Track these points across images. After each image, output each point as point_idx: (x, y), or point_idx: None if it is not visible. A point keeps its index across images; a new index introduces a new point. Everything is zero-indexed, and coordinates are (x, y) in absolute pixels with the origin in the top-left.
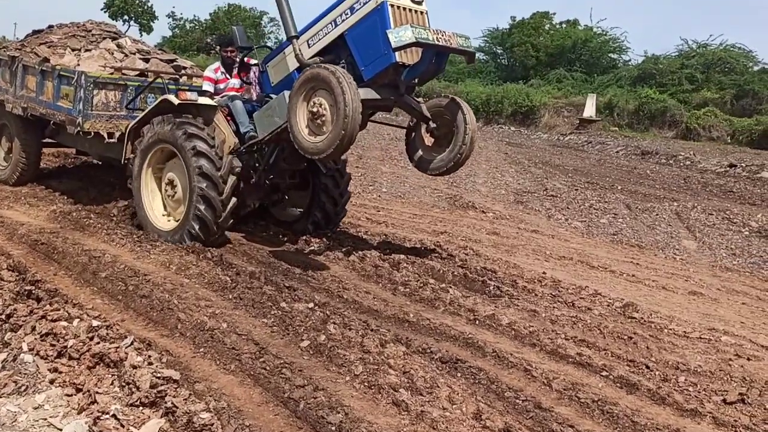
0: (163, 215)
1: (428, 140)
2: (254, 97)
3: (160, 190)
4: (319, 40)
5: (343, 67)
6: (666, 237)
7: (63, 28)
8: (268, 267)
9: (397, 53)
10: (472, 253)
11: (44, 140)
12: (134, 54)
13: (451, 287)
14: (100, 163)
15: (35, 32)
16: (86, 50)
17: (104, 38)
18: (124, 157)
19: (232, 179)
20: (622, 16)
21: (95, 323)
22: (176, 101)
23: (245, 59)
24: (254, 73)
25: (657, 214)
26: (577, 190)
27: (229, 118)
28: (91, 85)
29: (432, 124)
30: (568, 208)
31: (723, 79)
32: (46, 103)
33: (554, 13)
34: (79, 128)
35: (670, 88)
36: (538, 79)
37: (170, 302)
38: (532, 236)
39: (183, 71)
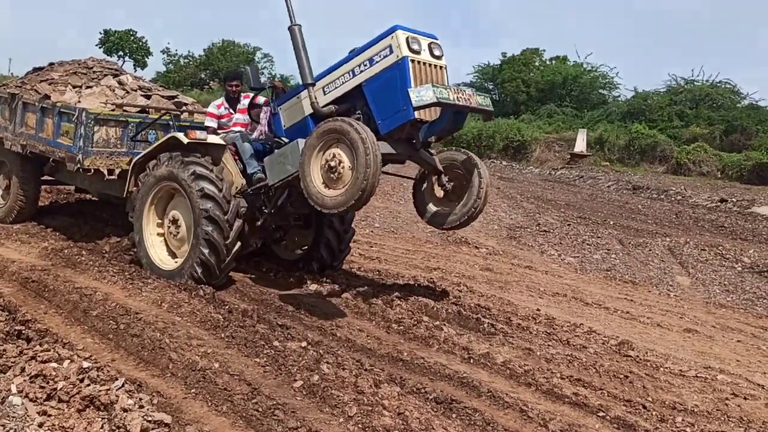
0: (165, 253)
1: (438, 193)
2: (262, 136)
3: (163, 227)
4: (336, 88)
5: (358, 118)
6: (659, 273)
7: (64, 65)
8: (260, 304)
9: (415, 110)
10: (465, 290)
11: (43, 178)
12: (135, 90)
13: (445, 325)
14: (95, 199)
15: (36, 70)
16: (87, 87)
17: (105, 75)
18: (127, 190)
19: (238, 223)
20: (608, 51)
21: (86, 364)
22: (185, 140)
23: (254, 98)
24: (264, 112)
25: (650, 250)
26: (569, 225)
27: (236, 156)
28: (92, 122)
29: (444, 178)
30: (561, 243)
31: (712, 114)
32: (46, 140)
33: (544, 50)
34: (79, 165)
35: (659, 123)
36: (529, 114)
37: (162, 341)
38: (526, 272)
39: (184, 107)
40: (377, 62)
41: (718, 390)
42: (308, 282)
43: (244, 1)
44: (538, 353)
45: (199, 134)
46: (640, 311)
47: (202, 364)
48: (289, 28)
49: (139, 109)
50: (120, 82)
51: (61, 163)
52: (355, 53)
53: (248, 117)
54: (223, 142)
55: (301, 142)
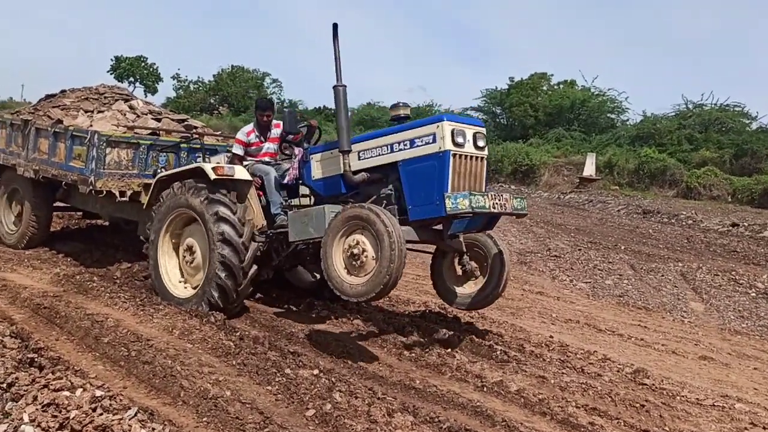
0: (180, 282)
1: (458, 271)
2: (291, 181)
3: (177, 256)
4: (371, 157)
5: (389, 194)
6: (672, 299)
7: (76, 92)
8: (271, 331)
9: (447, 208)
10: (477, 316)
11: (55, 204)
12: (146, 114)
13: (457, 352)
14: (106, 224)
15: (48, 96)
16: (99, 112)
17: (116, 100)
18: (148, 203)
19: (253, 246)
20: (616, 75)
21: (98, 393)
22: (213, 176)
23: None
24: (297, 156)
25: (662, 275)
26: (580, 250)
27: (260, 192)
28: (104, 144)
29: (465, 257)
30: (572, 268)
31: (721, 138)
32: (59, 164)
33: (552, 74)
34: (91, 187)
35: (669, 147)
36: (537, 138)
37: (173, 369)
38: (538, 298)
39: (194, 130)
40: (418, 146)
41: (737, 419)
42: (318, 308)
43: (253, 28)
44: (552, 381)
45: (227, 170)
46: (655, 338)
47: (214, 392)
48: (334, 88)
49: (150, 131)
50: (131, 107)
51: (73, 188)
52: (396, 129)
53: (278, 147)
54: (250, 178)
55: (327, 208)
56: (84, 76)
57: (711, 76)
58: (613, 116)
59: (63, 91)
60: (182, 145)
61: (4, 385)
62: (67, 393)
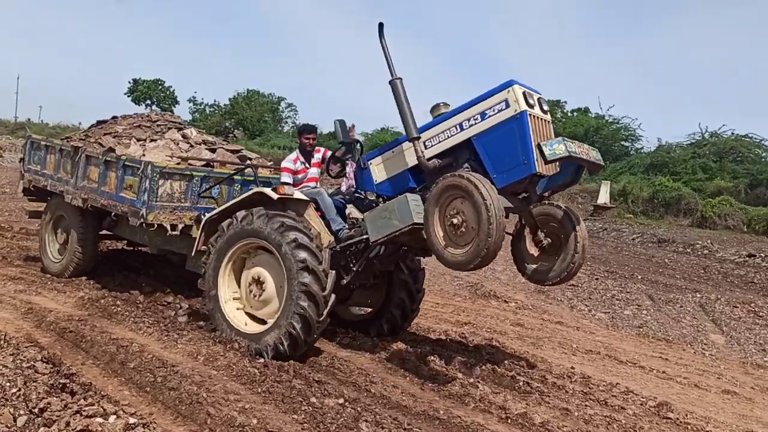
0: (246, 318)
1: (536, 248)
2: (351, 190)
3: (239, 290)
4: (440, 142)
5: (466, 170)
6: (692, 330)
7: (127, 118)
8: (294, 358)
9: (537, 164)
10: (498, 346)
11: (101, 232)
12: (200, 144)
13: (480, 382)
14: (128, 248)
15: (99, 123)
16: (152, 140)
17: (169, 128)
18: (197, 248)
19: (332, 274)
20: (630, 103)
21: (132, 420)
22: (275, 196)
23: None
24: (350, 167)
25: (681, 306)
26: (597, 279)
27: (318, 212)
28: (157, 176)
29: (541, 234)
30: (590, 298)
31: (736, 168)
32: (108, 194)
33: (566, 102)
34: (142, 220)
35: (683, 176)
36: None
37: (199, 395)
38: (557, 328)
39: (248, 162)
40: (490, 116)
41: None
42: (340, 335)
43: (270, 52)
44: (576, 414)
45: (287, 189)
46: (676, 371)
47: (241, 420)
48: (390, 82)
49: (204, 162)
50: (184, 136)
51: (121, 218)
52: (461, 108)
53: (323, 171)
54: (308, 198)
55: (410, 196)
56: (101, 98)
57: (727, 106)
58: (627, 144)
59: (114, 118)
60: (236, 177)
61: (36, 410)
62: (100, 420)
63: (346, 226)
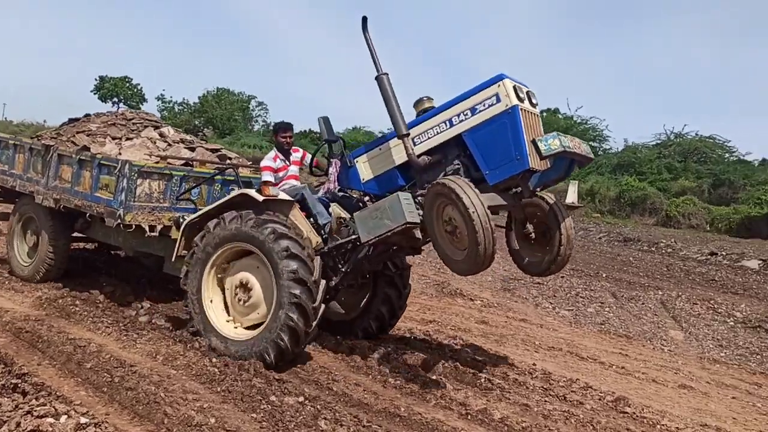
0: (228, 321)
1: (525, 241)
2: (328, 194)
3: (223, 293)
4: (429, 138)
5: (457, 167)
6: (653, 327)
7: (101, 116)
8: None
9: (530, 159)
10: (462, 344)
11: (73, 234)
12: (178, 143)
13: (442, 379)
14: (90, 247)
15: (71, 120)
16: (127, 139)
17: (146, 127)
18: (176, 253)
19: (323, 284)
20: (598, 104)
21: (83, 420)
22: (260, 198)
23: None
24: (333, 166)
25: (643, 303)
26: (563, 277)
27: (303, 212)
28: (135, 175)
29: (529, 226)
30: (554, 296)
31: (700, 168)
32: (83, 194)
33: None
34: (119, 221)
35: (649, 176)
36: None
37: (156, 395)
38: (521, 325)
39: (228, 161)
40: (481, 111)
41: None
42: None
43: (240, 50)
44: (536, 409)
45: (273, 191)
46: (635, 366)
47: (198, 419)
48: (376, 78)
49: (183, 162)
50: (161, 134)
51: (94, 219)
52: (450, 103)
53: (299, 170)
54: (291, 198)
55: (402, 195)
56: (66, 95)
57: (693, 108)
58: (595, 144)
59: (87, 116)
60: (216, 177)
61: None
62: (51, 420)
63: (333, 220)
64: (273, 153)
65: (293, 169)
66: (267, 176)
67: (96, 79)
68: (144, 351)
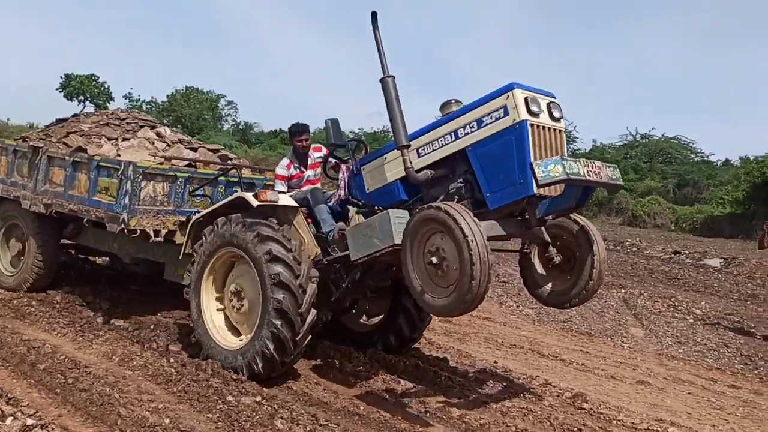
0: (228, 331)
1: (546, 266)
2: (341, 196)
3: (222, 302)
4: (433, 150)
5: (460, 185)
6: (614, 324)
7: (91, 116)
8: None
9: (536, 184)
10: (424, 342)
11: (62, 241)
12: (176, 143)
13: (402, 377)
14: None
15: (59, 121)
16: (124, 139)
17: (141, 126)
18: (183, 252)
19: (311, 288)
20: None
21: (30, 422)
22: (255, 202)
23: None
24: (343, 172)
25: (605, 301)
26: None
27: (309, 219)
28: (140, 177)
29: (552, 250)
30: (519, 294)
31: (665, 168)
32: (79, 198)
33: None
34: (123, 226)
35: None
36: None
37: (111, 396)
38: (485, 324)
39: (229, 162)
40: (488, 124)
41: None
42: None
43: (209, 49)
44: (494, 406)
45: (270, 195)
46: (595, 363)
47: (152, 420)
48: (381, 80)
49: (187, 162)
50: (159, 134)
51: (87, 225)
52: (458, 112)
53: (320, 172)
54: (296, 204)
55: (392, 213)
56: (30, 94)
57: (659, 109)
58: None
59: (75, 116)
60: (220, 178)
61: None
62: None
63: (337, 229)
64: (287, 160)
65: (309, 174)
66: (279, 186)
67: (62, 77)
68: (100, 352)
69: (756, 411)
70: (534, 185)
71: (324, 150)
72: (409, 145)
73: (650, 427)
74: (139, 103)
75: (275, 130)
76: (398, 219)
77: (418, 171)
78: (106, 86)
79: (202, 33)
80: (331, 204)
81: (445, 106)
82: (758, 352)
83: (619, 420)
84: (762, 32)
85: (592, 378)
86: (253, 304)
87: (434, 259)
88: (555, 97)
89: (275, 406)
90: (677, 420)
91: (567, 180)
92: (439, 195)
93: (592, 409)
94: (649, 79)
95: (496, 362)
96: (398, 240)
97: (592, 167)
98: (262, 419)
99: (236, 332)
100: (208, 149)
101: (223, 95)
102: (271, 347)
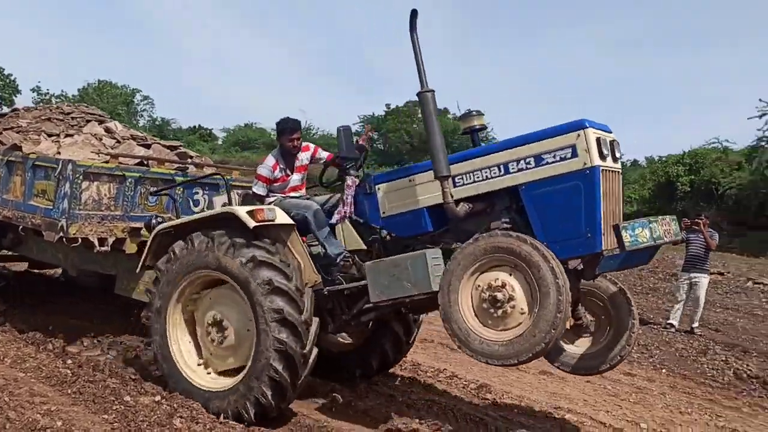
0: (199, 365)
1: (570, 326)
2: (346, 213)
3: (192, 330)
4: (474, 182)
5: (506, 225)
6: None
7: (32, 111)
8: (116, 357)
9: (605, 240)
10: None
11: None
12: (128, 140)
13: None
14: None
15: None
16: (67, 135)
17: (88, 121)
18: (141, 267)
19: (315, 323)
20: (488, 106)
21: None
22: (252, 223)
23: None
24: (350, 188)
25: None
26: None
27: (303, 237)
28: (80, 177)
29: (581, 308)
30: None
31: None
32: (14, 203)
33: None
34: (62, 234)
35: None
36: (412, 163)
37: (0, 399)
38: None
39: (189, 160)
40: (549, 163)
41: (565, 429)
42: None
43: (122, 40)
44: (400, 399)
45: (268, 214)
46: None
47: (44, 422)
48: (419, 95)
49: (137, 160)
50: (107, 130)
51: (28, 234)
52: (508, 142)
53: (304, 176)
54: (292, 222)
55: (430, 254)
56: None
57: (577, 110)
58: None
59: (15, 110)
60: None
61: None
62: None
63: (347, 256)
64: (273, 160)
65: (295, 179)
66: (258, 188)
67: None
68: None
69: (647, 397)
70: (603, 241)
71: (311, 149)
72: (449, 176)
73: (548, 414)
74: (48, 97)
75: (194, 127)
76: (435, 261)
77: (456, 202)
78: (11, 78)
79: (117, 24)
80: (333, 222)
81: (465, 118)
82: (654, 341)
83: (521, 408)
84: (662, 42)
85: (498, 369)
86: (242, 338)
87: (495, 296)
88: (612, 132)
89: (175, 405)
90: (574, 407)
91: (653, 246)
92: (474, 230)
93: (495, 398)
94: (557, 81)
95: (405, 357)
96: (436, 287)
97: (666, 226)
98: (161, 419)
99: (210, 368)
100: (164, 146)
101: (139, 89)
102: (269, 393)
